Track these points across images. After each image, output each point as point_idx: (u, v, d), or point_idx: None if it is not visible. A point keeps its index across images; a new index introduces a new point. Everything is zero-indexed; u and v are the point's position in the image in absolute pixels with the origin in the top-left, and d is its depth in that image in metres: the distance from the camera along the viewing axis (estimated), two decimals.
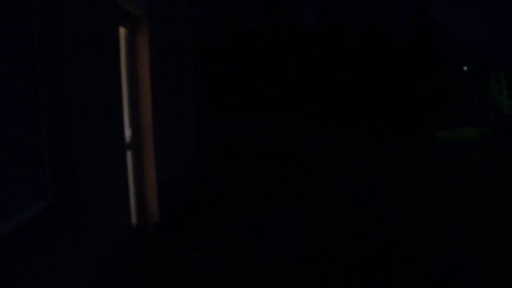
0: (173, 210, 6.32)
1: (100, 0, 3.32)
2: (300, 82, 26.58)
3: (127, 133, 4.69)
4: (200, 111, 20.15)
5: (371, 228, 5.67)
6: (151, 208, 5.23)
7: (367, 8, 27.19)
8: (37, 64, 2.70)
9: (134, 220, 4.77)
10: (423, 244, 5.10)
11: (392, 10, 27.40)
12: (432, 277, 4.25)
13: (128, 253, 4.02)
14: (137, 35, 5.00)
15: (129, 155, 4.71)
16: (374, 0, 27.05)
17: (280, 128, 19.52)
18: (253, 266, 4.56)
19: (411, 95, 23.66)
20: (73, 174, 2.82)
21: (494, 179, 8.79)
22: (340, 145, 14.16)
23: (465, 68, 26.72)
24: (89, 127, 3.03)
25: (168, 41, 6.53)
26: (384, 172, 9.49)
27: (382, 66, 25.23)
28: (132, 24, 4.89)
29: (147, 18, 4.99)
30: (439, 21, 27.91)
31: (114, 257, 3.55)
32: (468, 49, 30.04)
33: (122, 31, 4.56)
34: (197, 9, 25.11)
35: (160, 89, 5.63)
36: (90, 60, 3.09)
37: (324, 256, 4.76)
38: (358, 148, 13.50)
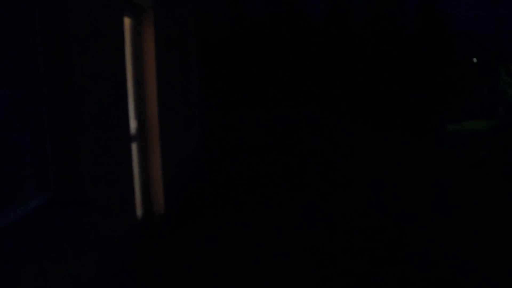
0: (179, 203, 6.30)
1: None
2: (308, 73, 26.45)
3: (133, 124, 4.65)
4: (207, 102, 20.11)
5: (377, 220, 5.61)
6: (156, 201, 5.20)
7: None
8: (40, 54, 2.65)
9: (139, 212, 4.75)
10: (430, 238, 5.04)
11: (401, 1, 27.13)
12: (439, 271, 4.20)
13: (133, 246, 3.99)
14: (143, 25, 4.94)
15: (134, 147, 4.68)
16: None
17: (286, 120, 19.45)
18: (259, 260, 4.53)
19: (419, 87, 23.47)
20: (77, 166, 2.78)
21: (502, 172, 8.69)
22: (347, 137, 14.07)
23: (475, 59, 26.42)
24: (92, 118, 2.99)
25: (174, 32, 6.47)
26: (392, 165, 9.41)
27: (390, 58, 25.02)
28: (137, 15, 4.83)
29: (152, 8, 4.93)
30: (449, 12, 27.57)
31: (119, 250, 3.53)
32: (478, 40, 29.67)
33: (127, 21, 4.51)
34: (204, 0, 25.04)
35: (166, 80, 5.58)
36: (93, 50, 3.04)
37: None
38: (365, 140, 13.40)
